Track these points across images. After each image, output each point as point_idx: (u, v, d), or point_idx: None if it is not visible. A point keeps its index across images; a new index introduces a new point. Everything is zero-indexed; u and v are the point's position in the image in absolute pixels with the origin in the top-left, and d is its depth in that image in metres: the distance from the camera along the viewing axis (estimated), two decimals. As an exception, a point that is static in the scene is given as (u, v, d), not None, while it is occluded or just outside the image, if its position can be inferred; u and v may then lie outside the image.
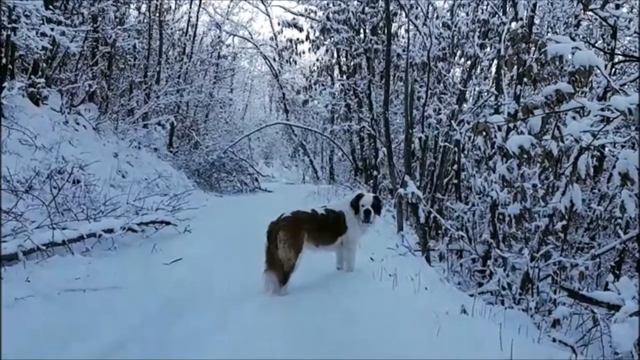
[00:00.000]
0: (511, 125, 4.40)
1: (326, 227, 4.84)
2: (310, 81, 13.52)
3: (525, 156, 3.47)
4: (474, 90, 10.42)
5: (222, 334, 3.54)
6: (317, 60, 14.44)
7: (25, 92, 10.22)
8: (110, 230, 6.27)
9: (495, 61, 8.93)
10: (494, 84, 8.38)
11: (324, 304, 4.03)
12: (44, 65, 11.11)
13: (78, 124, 11.82)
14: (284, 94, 22.41)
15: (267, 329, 3.59)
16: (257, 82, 31.11)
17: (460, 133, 7.12)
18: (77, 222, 6.34)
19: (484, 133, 3.52)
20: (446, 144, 8.10)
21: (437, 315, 3.44)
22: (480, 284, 6.35)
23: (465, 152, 8.18)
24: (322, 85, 13.81)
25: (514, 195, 4.63)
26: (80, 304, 4.16)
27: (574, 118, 3.65)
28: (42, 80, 10.23)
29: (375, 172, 12.45)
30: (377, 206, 4.95)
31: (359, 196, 5.03)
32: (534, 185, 5.28)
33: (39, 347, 3.24)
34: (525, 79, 6.44)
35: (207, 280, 5.11)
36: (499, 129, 4.20)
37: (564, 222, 5.34)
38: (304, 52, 14.48)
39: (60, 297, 4.30)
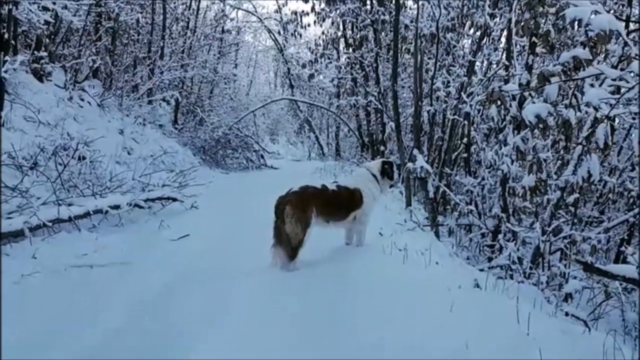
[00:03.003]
0: (525, 94, 4.26)
1: (337, 203, 4.75)
2: (315, 54, 13.25)
3: (542, 125, 3.35)
4: (484, 62, 10.18)
5: (229, 311, 3.50)
6: (323, 33, 14.15)
7: (28, 67, 10.14)
8: (116, 207, 6.23)
9: (506, 32, 8.68)
10: (504, 55, 8.16)
11: (334, 279, 3.98)
12: (47, 40, 10.98)
13: (82, 100, 11.73)
14: (289, 68, 22.11)
15: (275, 305, 3.54)
16: (261, 57, 30.76)
17: (470, 105, 6.96)
18: (83, 198, 6.31)
19: (498, 102, 3.40)
20: (455, 117, 7.93)
21: (450, 290, 3.37)
22: (489, 259, 6.28)
23: (475, 125, 8.02)
24: (328, 58, 13.55)
25: (529, 167, 4.51)
26: (88, 280, 4.14)
27: (592, 86, 3.52)
28: (45, 54, 10.12)
29: (382, 148, 12.30)
30: None
31: (388, 162, 5.18)
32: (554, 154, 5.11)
33: (44, 325, 3.21)
34: (537, 49, 6.27)
35: (214, 256, 5.08)
36: (513, 98, 4.06)
37: (576, 194, 5.22)
38: (309, 25, 14.14)
39: (67, 273, 4.29)
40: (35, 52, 10.13)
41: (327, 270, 4.25)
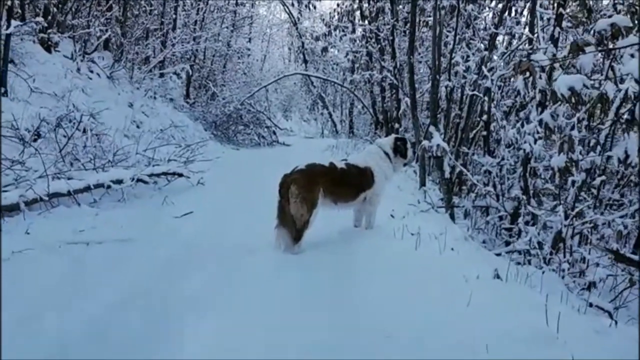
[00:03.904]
0: (555, 66, 3.91)
1: (346, 182, 4.45)
2: (330, 27, 12.80)
3: (575, 99, 3.02)
4: (505, 36, 9.71)
5: (229, 294, 3.27)
6: (338, 5, 13.68)
7: (35, 37, 9.91)
8: (119, 181, 6.02)
9: (530, 3, 8.18)
10: (527, 28, 7.69)
11: (340, 265, 3.72)
12: (55, 10, 10.71)
13: (92, 72, 11.51)
14: (302, 43, 21.61)
15: (278, 291, 3.30)
16: (275, 31, 30.18)
17: (492, 80, 6.56)
18: (85, 172, 6.11)
19: (527, 74, 3.06)
20: (475, 92, 7.51)
21: (467, 280, 3.08)
22: (507, 243, 5.98)
23: (495, 102, 7.61)
24: (343, 31, 13.08)
25: (560, 146, 4.16)
26: (82, 258, 3.92)
27: (632, 56, 3.16)
28: (53, 22, 9.87)
29: (397, 125, 11.91)
30: None
31: (401, 139, 4.90)
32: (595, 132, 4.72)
33: (28, 306, 3.00)
34: (563, 23, 5.85)
35: (217, 235, 4.84)
36: (542, 69, 3.70)
37: (602, 177, 4.87)
38: (324, -4, 13.73)
39: (61, 250, 4.08)
40: (43, 19, 9.87)
41: (333, 255, 3.99)
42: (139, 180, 6.31)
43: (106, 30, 12.20)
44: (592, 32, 3.25)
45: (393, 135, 5.01)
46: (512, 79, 9.20)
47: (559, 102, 3.41)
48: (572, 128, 4.19)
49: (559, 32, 5.77)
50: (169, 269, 3.85)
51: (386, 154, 4.75)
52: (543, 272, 4.21)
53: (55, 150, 6.41)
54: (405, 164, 5.05)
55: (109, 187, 5.89)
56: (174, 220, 5.40)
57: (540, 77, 3.58)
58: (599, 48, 2.96)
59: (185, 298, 3.24)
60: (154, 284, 3.51)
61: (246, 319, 2.89)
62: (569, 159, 4.10)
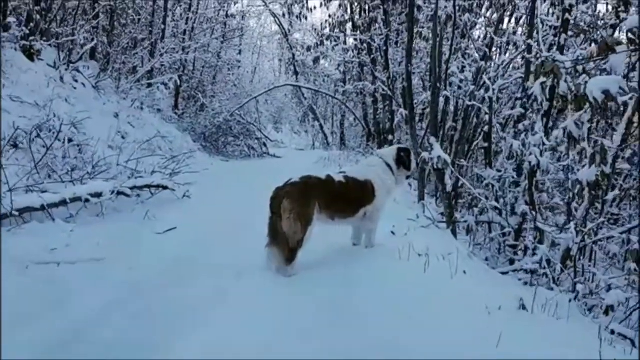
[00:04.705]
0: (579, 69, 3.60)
1: (345, 197, 4.07)
2: (322, 37, 12.53)
3: (608, 104, 2.70)
4: (501, 46, 9.51)
5: (210, 327, 2.87)
6: (330, 16, 13.45)
7: (17, 44, 9.55)
8: (98, 195, 5.59)
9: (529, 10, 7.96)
10: (526, 36, 7.44)
11: (340, 290, 3.31)
12: (38, 17, 10.35)
13: (76, 81, 11.12)
14: (293, 54, 21.38)
15: (268, 324, 2.90)
16: (266, 43, 30.02)
17: (493, 90, 6.28)
18: (62, 184, 5.71)
19: (552, 76, 2.75)
20: (474, 103, 7.22)
21: (490, 313, 2.70)
22: (511, 261, 5.65)
23: (495, 112, 7.33)
24: (335, 41, 12.83)
25: (591, 157, 3.81)
26: (48, 280, 3.51)
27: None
28: (36, 30, 9.51)
29: (390, 137, 11.62)
30: None
31: (404, 150, 4.54)
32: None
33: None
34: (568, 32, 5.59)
35: (201, 254, 4.43)
36: (567, 72, 3.37)
37: (617, 191, 4.57)
38: (315, 8, 13.49)
39: (29, 272, 3.67)
40: (25, 28, 9.51)
41: (331, 278, 3.59)
42: (120, 193, 5.90)
43: (92, 39, 11.84)
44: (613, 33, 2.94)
45: (396, 146, 4.65)
46: (505, 90, 8.99)
47: (585, 109, 3.10)
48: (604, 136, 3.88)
49: (565, 39, 5.51)
50: (145, 293, 3.46)
51: (388, 165, 4.38)
52: (563, 292, 3.84)
53: (32, 162, 6.02)
54: (408, 177, 4.70)
55: (87, 200, 5.47)
56: (154, 237, 5.00)
57: (565, 81, 3.27)
58: (631, 47, 2.66)
59: (161, 330, 2.85)
60: (118, 315, 3.09)
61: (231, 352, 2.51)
62: (600, 172, 3.75)
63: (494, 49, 9.50)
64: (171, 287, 3.55)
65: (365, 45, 12.84)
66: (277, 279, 3.65)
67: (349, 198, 4.10)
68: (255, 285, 3.51)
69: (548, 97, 5.39)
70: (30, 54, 9.86)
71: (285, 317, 2.95)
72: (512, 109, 8.12)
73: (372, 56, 12.64)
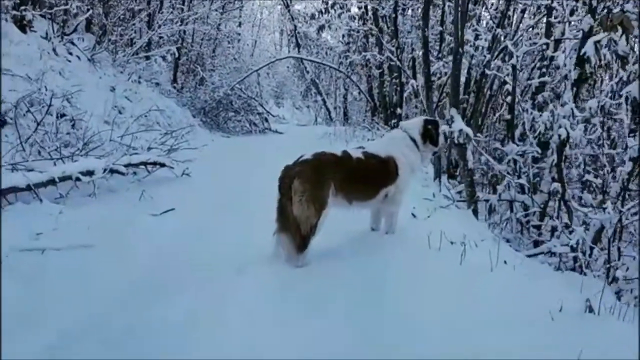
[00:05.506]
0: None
1: (364, 176, 3.60)
2: (326, 3, 11.89)
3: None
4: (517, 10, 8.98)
5: (211, 328, 2.48)
6: (335, -17, 12.78)
7: (8, 14, 9.06)
8: (90, 173, 5.18)
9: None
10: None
11: (362, 281, 2.87)
12: (31, -15, 9.82)
13: (71, 54, 10.66)
14: (295, 26, 20.65)
15: (275, 324, 2.50)
16: (267, 15, 29.26)
17: (517, 57, 5.77)
18: (50, 162, 5.29)
19: (620, 28, 2.29)
20: (492, 71, 6.70)
21: (554, 318, 2.26)
22: (535, 242, 5.25)
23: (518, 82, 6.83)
24: (340, 8, 12.17)
25: None
26: (29, 271, 3.12)
27: None
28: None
29: (399, 110, 11.10)
30: None
31: (432, 122, 4.02)
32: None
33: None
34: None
35: (202, 240, 4.01)
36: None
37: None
38: (318, -25, 12.84)
39: (8, 261, 3.27)
40: (15, -4, 9.01)
41: (349, 269, 3.13)
42: (113, 171, 5.48)
43: (87, 10, 11.29)
44: None
45: (422, 117, 4.15)
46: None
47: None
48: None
49: (597, 2, 5.01)
50: (135, 290, 3.05)
51: (413, 140, 3.88)
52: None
53: (18, 138, 5.60)
54: (434, 153, 4.23)
55: (77, 179, 5.05)
56: (150, 219, 4.60)
57: (635, 35, 2.81)
58: None
59: (154, 332, 2.46)
60: (110, 316, 2.70)
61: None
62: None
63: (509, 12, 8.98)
64: (164, 284, 3.08)
65: (371, 14, 12.20)
66: (283, 275, 3.19)
67: (368, 178, 3.65)
68: (260, 281, 3.06)
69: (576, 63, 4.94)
70: (22, 25, 9.39)
71: (299, 317, 2.54)
72: (528, 79, 7.65)
73: (379, 25, 12.00)
